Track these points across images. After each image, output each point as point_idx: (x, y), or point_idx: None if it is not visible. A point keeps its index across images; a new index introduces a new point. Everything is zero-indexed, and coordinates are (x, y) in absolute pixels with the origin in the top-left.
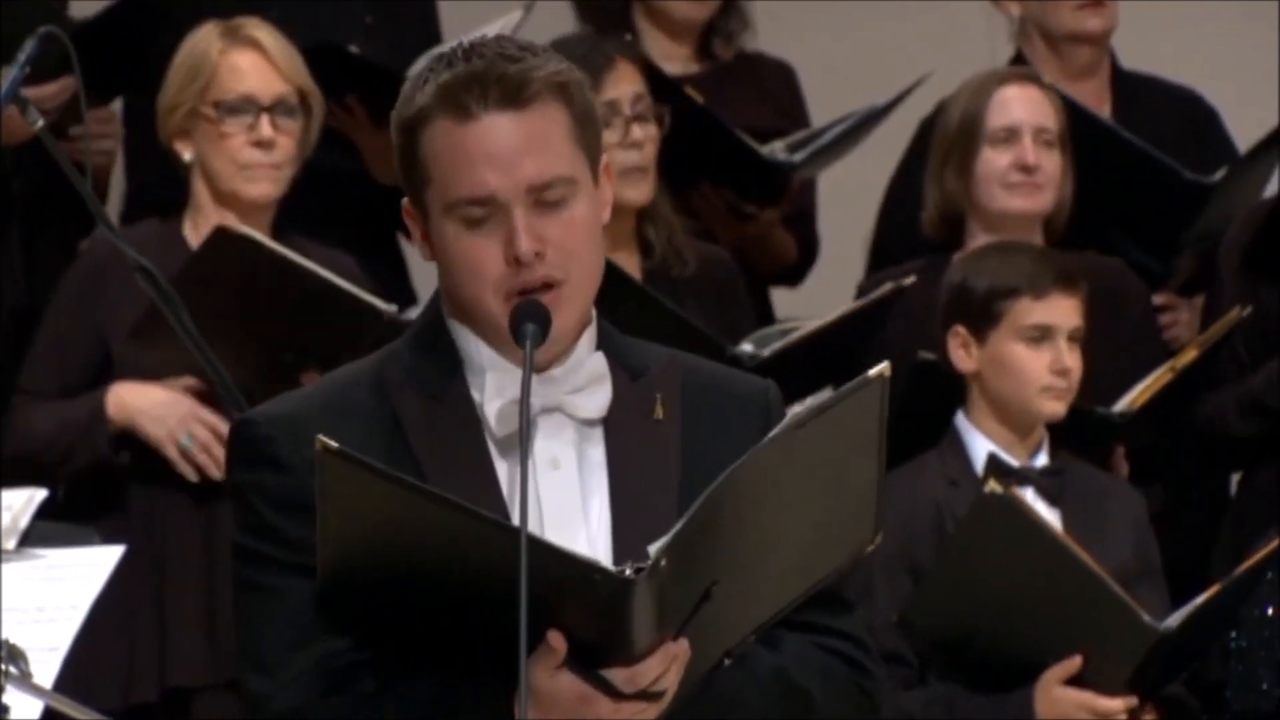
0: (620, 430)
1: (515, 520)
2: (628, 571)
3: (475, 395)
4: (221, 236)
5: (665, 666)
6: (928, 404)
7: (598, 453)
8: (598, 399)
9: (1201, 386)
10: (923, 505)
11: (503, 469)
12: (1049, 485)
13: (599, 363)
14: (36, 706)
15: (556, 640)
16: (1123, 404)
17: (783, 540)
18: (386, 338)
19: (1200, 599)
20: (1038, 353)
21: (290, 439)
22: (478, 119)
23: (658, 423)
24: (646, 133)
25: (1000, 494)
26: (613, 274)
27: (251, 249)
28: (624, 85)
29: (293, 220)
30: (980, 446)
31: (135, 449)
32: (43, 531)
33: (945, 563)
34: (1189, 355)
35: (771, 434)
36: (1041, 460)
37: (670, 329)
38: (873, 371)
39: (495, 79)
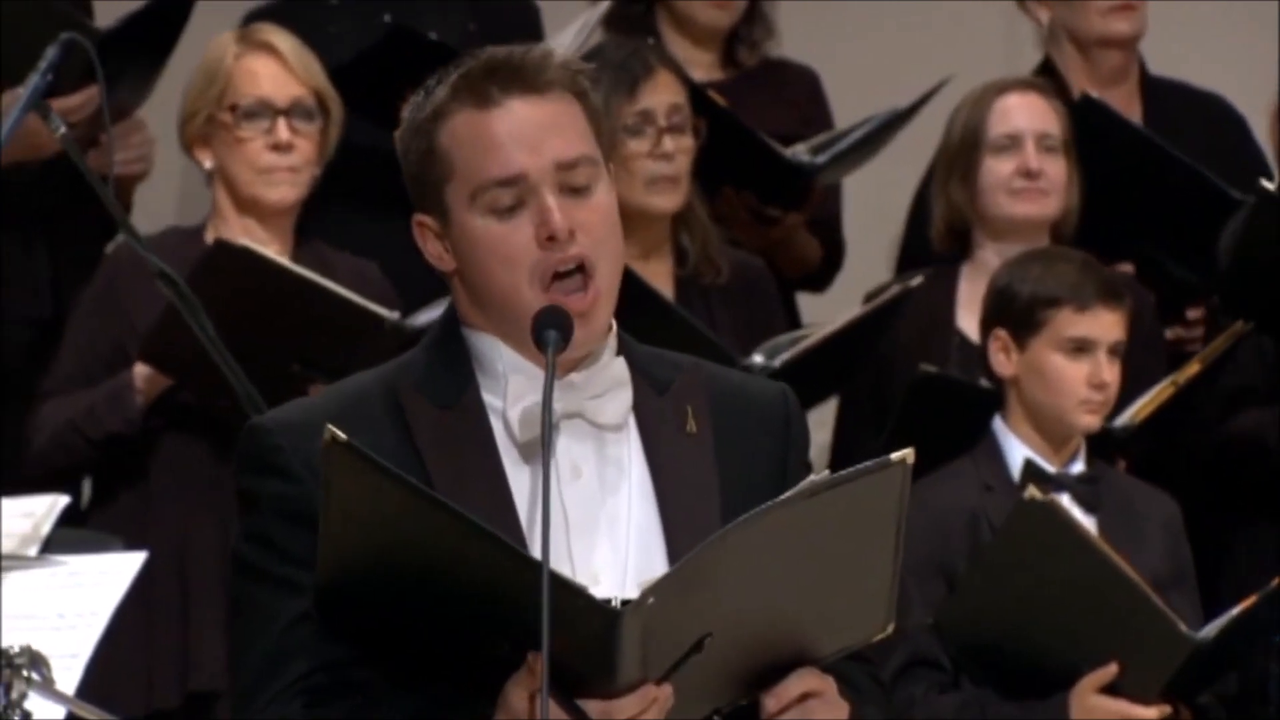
0: (659, 445)
1: (528, 526)
2: (614, 603)
3: (491, 402)
4: (219, 250)
5: (642, 707)
6: (932, 415)
7: (618, 459)
8: (617, 405)
9: (1204, 400)
10: (957, 510)
11: (519, 477)
12: (1085, 492)
13: (620, 368)
14: (59, 712)
15: (537, 663)
16: (1125, 417)
17: (786, 609)
18: (390, 345)
19: (1236, 609)
20: (1077, 364)
21: (298, 448)
22: (500, 104)
23: (691, 436)
24: (679, 144)
25: (1041, 500)
26: (627, 279)
27: (249, 260)
28: (661, 95)
29: (336, 200)
30: (1017, 452)
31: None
32: (65, 538)
33: (982, 567)
34: (1191, 369)
35: (780, 498)
36: (1078, 467)
37: (681, 336)
38: (895, 455)
39: (514, 67)
